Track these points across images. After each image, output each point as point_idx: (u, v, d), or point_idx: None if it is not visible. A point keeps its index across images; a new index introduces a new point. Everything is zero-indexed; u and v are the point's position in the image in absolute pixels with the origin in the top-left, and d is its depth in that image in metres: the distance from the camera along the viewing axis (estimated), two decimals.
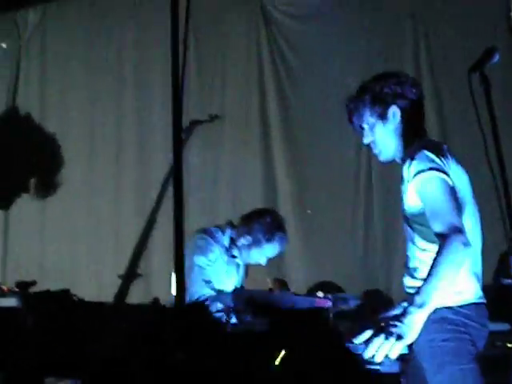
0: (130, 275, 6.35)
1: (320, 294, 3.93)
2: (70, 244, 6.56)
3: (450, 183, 2.96)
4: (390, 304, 3.44)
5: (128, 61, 6.85)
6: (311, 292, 4.83)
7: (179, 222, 1.72)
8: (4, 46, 6.98)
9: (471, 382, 2.84)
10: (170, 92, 5.84)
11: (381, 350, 2.61)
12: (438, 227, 2.91)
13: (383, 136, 3.33)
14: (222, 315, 3.26)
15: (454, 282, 2.83)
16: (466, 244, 2.82)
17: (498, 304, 3.29)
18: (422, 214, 3.06)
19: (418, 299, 2.71)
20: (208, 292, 4.26)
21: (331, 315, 3.01)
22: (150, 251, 6.33)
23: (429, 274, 2.80)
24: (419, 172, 3.00)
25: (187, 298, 3.96)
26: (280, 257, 5.04)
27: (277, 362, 2.42)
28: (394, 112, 3.30)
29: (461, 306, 2.98)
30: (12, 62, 6.89)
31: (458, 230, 2.84)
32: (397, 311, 2.96)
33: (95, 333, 5.70)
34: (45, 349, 5.48)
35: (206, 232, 4.59)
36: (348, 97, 3.51)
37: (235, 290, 3.67)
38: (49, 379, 3.95)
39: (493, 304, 3.14)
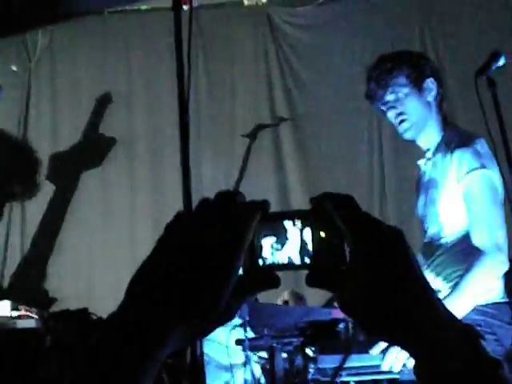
0: None
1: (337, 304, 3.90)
2: (88, 264, 6.57)
3: (498, 186, 2.81)
4: None
5: (137, 82, 6.87)
6: (330, 303, 4.80)
7: None
8: (14, 68, 7.01)
9: None
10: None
11: (398, 360, 2.57)
12: (480, 240, 2.76)
13: (418, 107, 3.13)
14: (239, 329, 3.25)
15: (479, 296, 2.74)
16: (504, 263, 2.71)
17: None
18: (455, 239, 2.94)
19: None
20: None
21: (350, 325, 2.99)
22: None
23: (456, 289, 2.71)
24: (475, 169, 2.83)
25: None
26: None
27: None
28: (431, 85, 3.17)
29: (485, 306, 2.88)
30: (22, 84, 6.90)
31: (499, 249, 2.73)
32: None
33: None
34: (64, 369, 5.50)
35: None
36: (381, 55, 3.34)
37: (249, 303, 3.66)
38: None
39: None
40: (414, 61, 3.17)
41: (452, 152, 2.92)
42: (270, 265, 0.96)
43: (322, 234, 0.96)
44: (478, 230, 2.76)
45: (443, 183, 2.96)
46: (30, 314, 5.57)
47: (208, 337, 0.98)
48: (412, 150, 3.75)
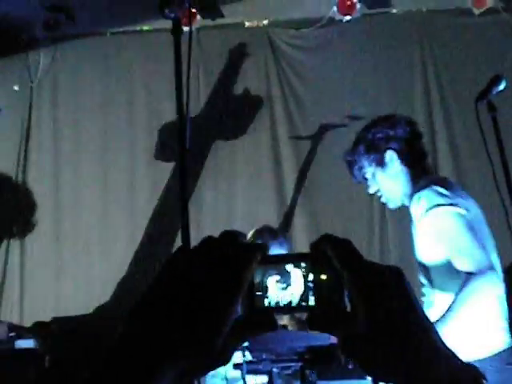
0: None
1: None
2: (87, 282, 6.55)
3: (468, 217, 2.85)
4: None
5: (139, 102, 6.89)
6: None
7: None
8: (16, 88, 7.04)
9: None
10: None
11: None
12: (464, 265, 2.77)
13: (386, 182, 3.28)
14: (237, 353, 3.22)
15: (472, 322, 2.72)
16: (493, 281, 2.70)
17: None
18: (440, 265, 2.96)
19: None
20: None
21: None
22: None
23: (448, 312, 2.70)
24: (431, 208, 2.90)
25: None
26: None
27: None
28: (391, 156, 3.24)
29: (494, 355, 2.84)
30: (24, 103, 6.92)
31: (489, 268, 2.73)
32: None
33: None
34: None
35: None
36: (344, 151, 3.46)
37: None
38: None
39: None
40: (368, 143, 3.27)
41: (417, 202, 3.00)
42: (273, 305, 0.97)
43: (323, 277, 0.97)
44: (459, 257, 2.79)
45: (415, 229, 3.06)
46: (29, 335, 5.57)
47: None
48: None
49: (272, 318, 0.95)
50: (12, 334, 5.39)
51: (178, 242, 6.28)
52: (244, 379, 3.07)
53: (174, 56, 1.77)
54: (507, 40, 6.19)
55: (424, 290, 3.15)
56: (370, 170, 3.28)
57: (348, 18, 6.58)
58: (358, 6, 6.55)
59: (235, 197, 6.52)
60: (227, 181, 6.57)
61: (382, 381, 0.88)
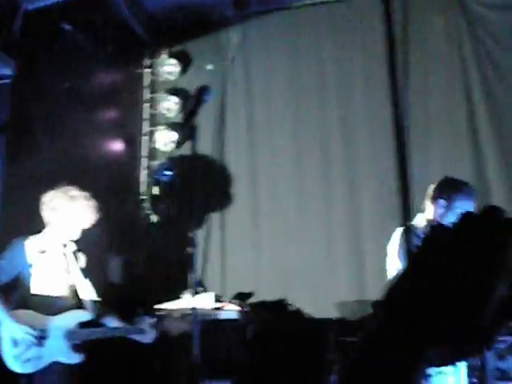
0: (345, 285, 6.37)
1: None
2: (284, 255, 6.66)
3: None
4: None
5: (329, 74, 6.86)
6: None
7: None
8: (209, 67, 7.25)
9: None
10: (373, 103, 5.73)
11: None
12: None
13: None
14: None
15: None
16: None
17: None
18: None
19: None
20: None
21: None
22: (363, 261, 6.28)
23: None
24: None
25: None
26: None
27: None
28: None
29: None
30: (218, 82, 7.11)
31: None
32: None
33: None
34: (267, 359, 5.66)
35: None
36: None
37: None
38: None
39: None
40: None
41: None
42: None
43: None
44: None
45: None
46: (232, 306, 5.79)
47: None
48: None
49: None
50: (217, 305, 5.63)
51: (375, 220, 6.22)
52: None
53: (386, 23, 1.71)
54: None
55: None
56: None
57: None
58: None
59: (434, 166, 6.27)
60: (425, 152, 6.35)
61: None
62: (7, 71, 5.44)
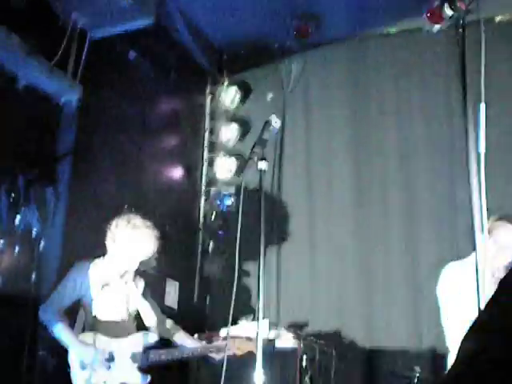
0: (400, 318, 6.28)
1: None
2: (340, 285, 6.62)
3: None
4: None
5: (389, 106, 6.83)
6: None
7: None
8: (270, 96, 7.30)
9: None
10: (433, 134, 5.62)
11: None
12: None
13: None
14: None
15: None
16: None
17: None
18: None
19: None
20: None
21: None
22: (420, 296, 6.17)
23: None
24: None
25: None
26: None
27: None
28: None
29: None
30: (277, 111, 7.11)
31: None
32: None
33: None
34: None
35: None
36: None
37: None
38: None
39: None
40: None
41: None
42: None
43: None
44: None
45: None
46: (287, 335, 5.75)
47: None
48: None
49: None
50: (273, 335, 5.61)
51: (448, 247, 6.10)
52: None
53: (461, 52, 1.72)
54: None
55: None
56: None
57: None
58: None
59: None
60: None
61: None
62: (74, 97, 5.56)
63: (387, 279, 6.44)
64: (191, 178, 7.48)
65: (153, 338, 4.52)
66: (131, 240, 4.54)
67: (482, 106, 2.93)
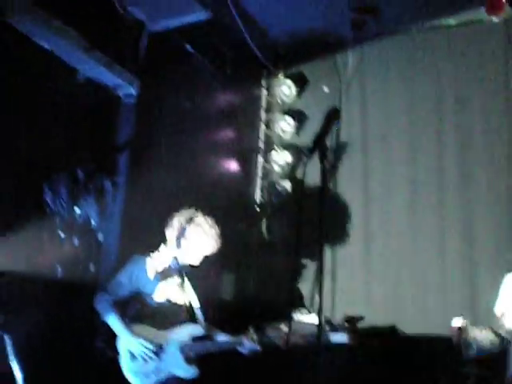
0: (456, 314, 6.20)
1: None
2: (396, 279, 6.56)
3: None
4: None
5: (448, 98, 6.72)
6: None
7: None
8: (325, 89, 7.27)
9: None
10: (493, 127, 5.53)
11: None
12: None
13: None
14: None
15: None
16: None
17: None
18: None
19: None
20: None
21: None
22: (477, 298, 6.07)
23: None
24: None
25: None
26: None
27: None
28: None
29: None
30: (333, 104, 7.08)
31: None
32: None
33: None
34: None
35: None
36: None
37: None
38: None
39: None
40: None
41: None
42: None
43: None
44: None
45: None
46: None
47: None
48: None
49: None
50: (327, 328, 5.60)
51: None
52: None
53: None
54: None
55: None
56: None
57: None
58: None
59: None
60: None
61: None
62: (132, 90, 5.62)
63: (443, 272, 6.35)
64: (247, 171, 7.50)
65: (201, 330, 4.55)
66: (193, 238, 4.60)
67: None
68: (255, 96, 7.80)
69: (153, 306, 4.52)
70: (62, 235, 5.11)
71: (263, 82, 7.87)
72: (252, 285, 7.15)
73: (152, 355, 4.35)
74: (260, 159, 7.68)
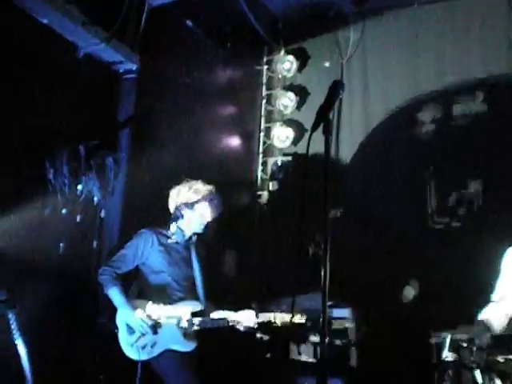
0: None
1: None
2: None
3: None
4: None
5: (448, 73, 6.68)
6: None
7: None
8: (327, 64, 7.25)
9: None
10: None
11: None
12: None
13: None
14: None
15: None
16: None
17: None
18: None
19: None
20: None
21: None
22: None
23: None
24: None
25: None
26: None
27: None
28: None
29: None
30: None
31: None
32: None
33: None
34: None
35: None
36: None
37: None
38: None
39: None
40: None
41: None
42: None
43: None
44: None
45: None
46: None
47: None
48: None
49: None
50: (330, 303, 5.61)
51: None
52: None
53: None
54: None
55: None
56: None
57: None
58: None
59: None
60: None
61: None
62: (132, 66, 5.61)
63: None
64: (248, 147, 7.49)
65: (200, 306, 4.56)
66: (198, 204, 4.61)
67: None
68: (256, 71, 7.78)
69: (155, 282, 4.54)
70: (65, 211, 5.12)
71: (264, 58, 7.85)
72: (254, 261, 7.16)
73: (149, 330, 4.37)
74: (261, 135, 7.67)
